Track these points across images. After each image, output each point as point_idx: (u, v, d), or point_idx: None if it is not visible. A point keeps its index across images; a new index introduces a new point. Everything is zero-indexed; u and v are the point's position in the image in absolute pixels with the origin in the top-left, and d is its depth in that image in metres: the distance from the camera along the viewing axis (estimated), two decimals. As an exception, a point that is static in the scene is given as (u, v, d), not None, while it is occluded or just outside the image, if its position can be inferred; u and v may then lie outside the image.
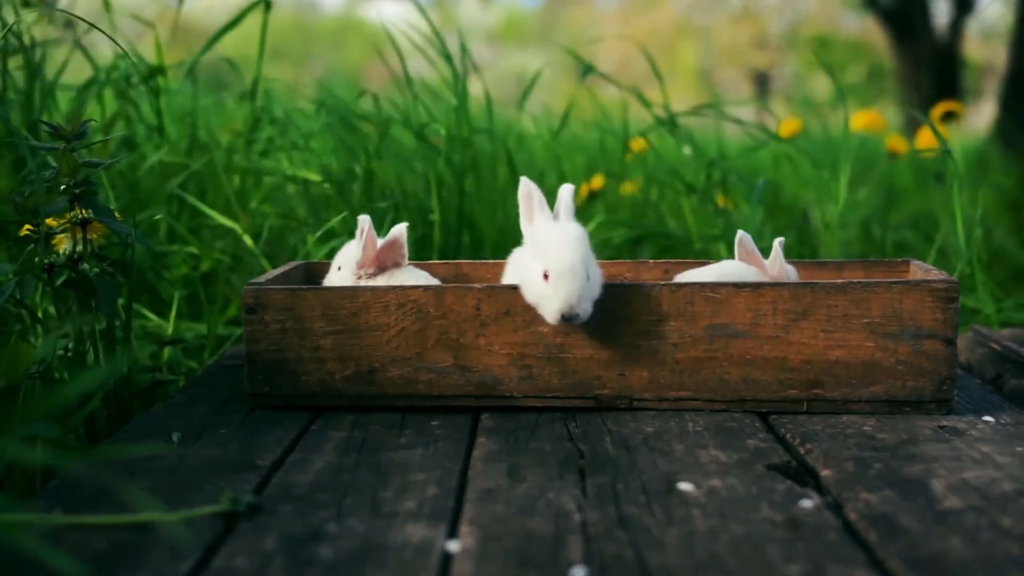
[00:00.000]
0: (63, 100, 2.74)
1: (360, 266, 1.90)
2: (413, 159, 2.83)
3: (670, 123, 3.09)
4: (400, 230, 1.93)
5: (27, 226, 1.69)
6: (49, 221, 1.72)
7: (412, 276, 1.90)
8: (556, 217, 1.78)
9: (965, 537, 1.17)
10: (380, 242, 1.90)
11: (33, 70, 2.49)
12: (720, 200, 3.09)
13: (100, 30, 2.07)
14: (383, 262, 1.91)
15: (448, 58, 2.81)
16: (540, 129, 3.62)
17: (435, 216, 2.60)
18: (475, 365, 1.72)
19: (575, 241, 1.69)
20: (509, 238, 1.95)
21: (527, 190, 1.78)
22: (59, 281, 1.72)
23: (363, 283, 1.90)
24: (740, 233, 1.90)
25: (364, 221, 1.87)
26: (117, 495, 1.31)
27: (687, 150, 3.05)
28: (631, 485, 1.35)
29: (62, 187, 1.71)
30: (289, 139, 2.89)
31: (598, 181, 3.34)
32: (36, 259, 1.68)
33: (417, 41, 2.86)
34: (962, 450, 1.49)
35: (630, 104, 3.31)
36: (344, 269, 1.92)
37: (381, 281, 1.88)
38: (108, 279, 1.73)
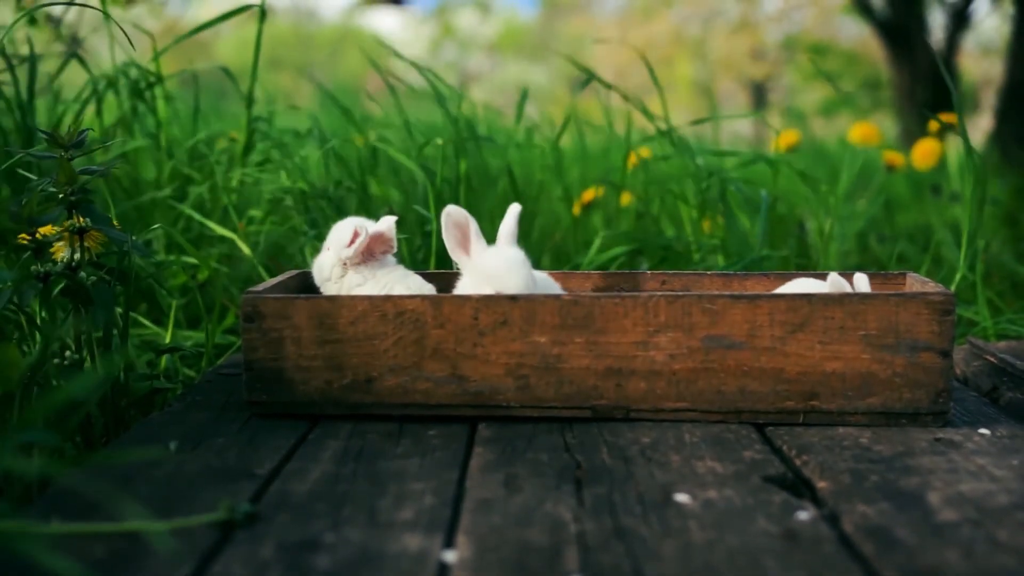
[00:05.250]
0: (63, 110, 2.75)
1: (347, 259, 1.92)
2: (410, 171, 2.83)
3: (669, 134, 3.09)
4: (388, 223, 1.95)
5: (23, 235, 1.69)
6: (47, 229, 1.72)
7: (403, 279, 1.90)
8: (499, 242, 1.88)
9: (961, 550, 1.17)
10: (371, 227, 1.92)
11: (33, 79, 2.50)
12: (708, 223, 3.09)
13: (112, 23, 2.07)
14: (370, 252, 1.93)
15: (434, 85, 2.83)
16: (539, 139, 3.63)
17: (432, 226, 2.60)
18: (472, 375, 1.72)
19: (520, 265, 1.80)
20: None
21: (463, 219, 1.86)
22: (56, 290, 1.72)
23: (349, 275, 1.92)
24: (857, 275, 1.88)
25: (362, 228, 1.90)
26: (114, 503, 1.31)
27: (690, 160, 3.06)
28: (628, 496, 1.35)
29: (59, 195, 1.72)
30: (285, 151, 2.89)
31: (590, 194, 3.34)
32: (32, 267, 1.68)
33: (414, 52, 2.87)
34: (958, 462, 1.49)
35: (629, 114, 3.31)
36: (332, 251, 1.94)
37: (367, 273, 1.92)
38: (105, 287, 1.73)
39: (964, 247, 2.38)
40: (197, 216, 2.57)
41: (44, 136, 1.72)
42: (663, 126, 3.09)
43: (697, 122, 3.42)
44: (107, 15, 2.33)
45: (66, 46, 2.93)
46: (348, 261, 1.91)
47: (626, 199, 3.46)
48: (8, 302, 1.63)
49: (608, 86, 3.05)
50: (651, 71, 3.09)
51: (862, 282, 1.83)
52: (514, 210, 1.91)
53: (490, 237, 1.92)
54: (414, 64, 2.89)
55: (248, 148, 2.91)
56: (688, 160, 3.10)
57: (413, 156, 2.83)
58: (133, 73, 2.80)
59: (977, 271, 2.66)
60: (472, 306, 1.71)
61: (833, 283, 1.77)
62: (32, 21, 2.69)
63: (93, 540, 1.20)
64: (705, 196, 3.05)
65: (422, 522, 1.26)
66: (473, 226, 1.86)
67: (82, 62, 2.80)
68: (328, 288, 1.94)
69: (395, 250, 1.98)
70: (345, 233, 1.92)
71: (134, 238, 1.80)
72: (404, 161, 2.84)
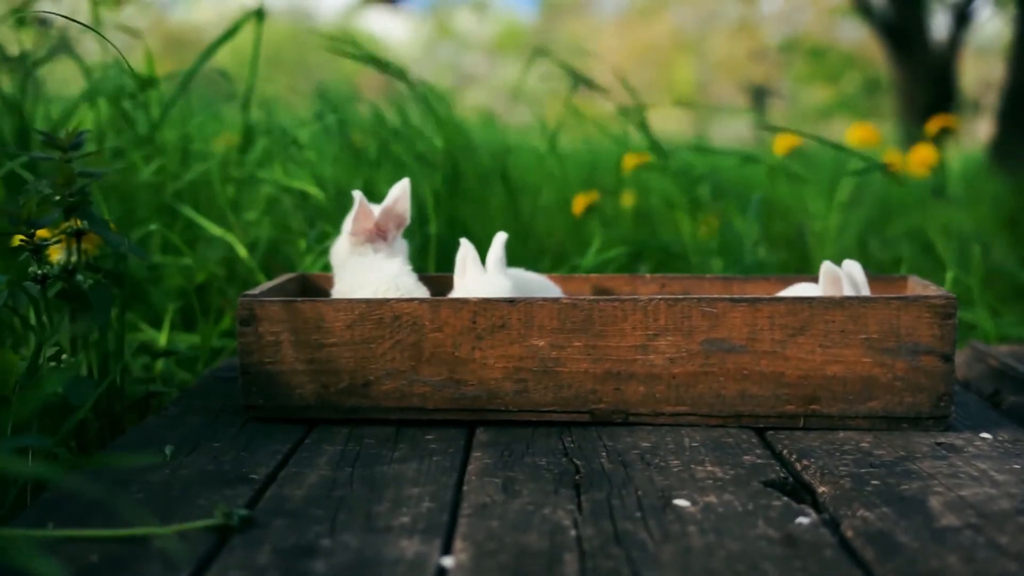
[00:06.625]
0: (55, 111, 2.73)
1: (354, 234, 1.92)
2: (409, 172, 2.82)
3: (658, 146, 3.08)
4: (400, 188, 1.95)
5: (19, 237, 1.68)
6: (43, 232, 1.71)
7: (395, 278, 1.88)
8: (489, 269, 1.89)
9: (962, 555, 1.16)
10: (377, 208, 1.92)
11: (26, 80, 2.49)
12: (707, 221, 3.08)
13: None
14: (382, 232, 1.92)
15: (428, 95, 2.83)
16: (536, 141, 3.62)
17: (432, 228, 2.59)
18: (470, 379, 1.71)
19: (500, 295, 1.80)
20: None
21: (463, 252, 1.90)
22: (52, 292, 1.71)
23: (354, 257, 1.92)
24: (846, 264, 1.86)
25: (357, 195, 1.91)
26: (110, 508, 1.31)
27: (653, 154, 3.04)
28: (627, 501, 1.34)
29: (57, 198, 1.71)
30: (283, 149, 2.88)
31: (584, 200, 3.32)
32: (28, 270, 1.67)
33: (411, 53, 2.86)
34: (959, 467, 1.48)
35: (624, 118, 3.30)
36: (344, 234, 1.96)
37: (373, 253, 1.92)
38: (102, 290, 1.72)
39: (965, 248, 2.37)
40: (194, 215, 2.56)
41: (42, 138, 1.71)
42: (637, 122, 3.07)
43: (686, 104, 3.40)
44: (96, 30, 2.31)
45: (54, 44, 2.92)
46: (352, 236, 1.92)
47: (625, 202, 3.45)
48: (3, 305, 1.62)
49: (589, 84, 3.04)
50: (624, 82, 3.07)
51: (854, 269, 1.82)
52: (500, 238, 1.92)
53: (487, 238, 1.91)
54: (402, 78, 2.88)
55: (245, 147, 2.90)
56: (680, 162, 3.09)
57: (411, 157, 2.82)
58: (127, 77, 2.79)
59: (975, 274, 2.65)
60: (470, 309, 1.70)
61: (826, 271, 1.77)
62: (20, 22, 2.68)
63: (88, 545, 1.19)
64: (700, 200, 3.05)
65: (420, 527, 1.25)
66: (472, 253, 1.90)
67: (80, 62, 2.79)
68: (338, 273, 1.96)
69: (408, 222, 1.97)
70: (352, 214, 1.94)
71: (130, 240, 1.79)
72: (403, 156, 2.83)
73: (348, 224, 1.95)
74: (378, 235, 1.94)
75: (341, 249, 1.96)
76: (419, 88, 2.88)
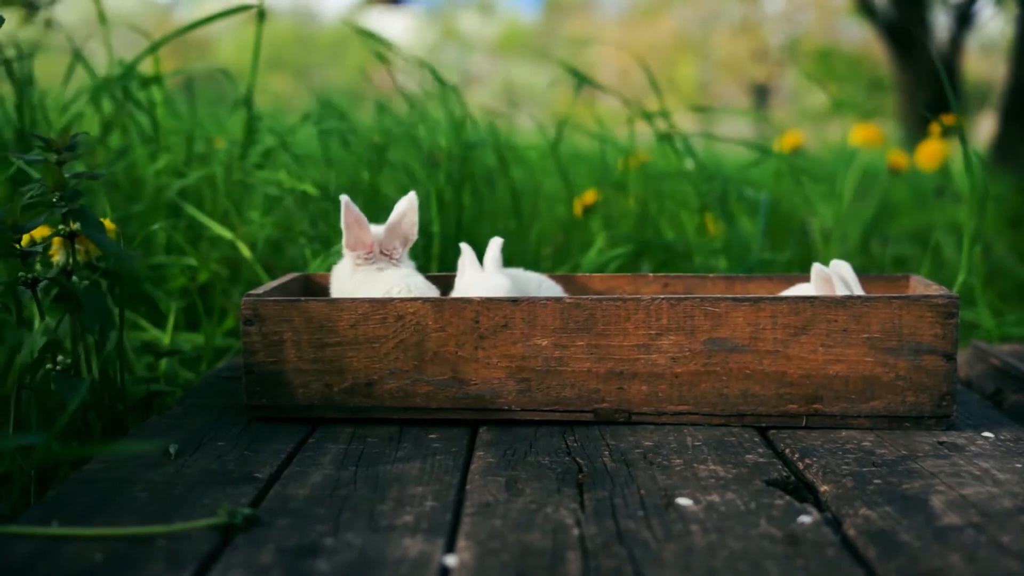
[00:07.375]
0: (55, 110, 2.73)
1: (350, 248, 1.88)
2: (413, 172, 2.83)
3: (670, 138, 3.08)
4: (406, 202, 1.91)
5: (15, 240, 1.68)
6: (43, 230, 1.71)
7: (404, 279, 1.86)
8: (487, 269, 1.90)
9: (964, 554, 1.16)
10: (378, 227, 1.90)
11: (23, 80, 2.49)
12: (710, 226, 3.08)
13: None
14: (389, 248, 1.90)
15: (439, 78, 2.82)
16: (539, 141, 3.62)
17: (435, 228, 2.59)
18: (473, 378, 1.71)
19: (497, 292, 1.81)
20: (505, 249, 1.95)
21: (463, 256, 1.92)
22: (49, 295, 1.71)
23: (358, 273, 1.89)
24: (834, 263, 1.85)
25: (344, 200, 1.85)
26: (113, 506, 1.31)
27: (690, 164, 3.04)
28: (630, 500, 1.35)
29: (50, 200, 1.70)
30: (286, 151, 2.88)
31: (590, 196, 3.33)
32: (20, 273, 1.67)
33: (417, 52, 2.86)
34: (961, 466, 1.48)
35: (631, 117, 3.30)
36: (345, 257, 1.92)
37: (376, 271, 1.88)
38: (96, 291, 1.71)
39: (967, 249, 2.37)
40: (198, 214, 2.56)
41: (38, 141, 1.70)
42: (664, 127, 3.08)
43: (698, 109, 3.40)
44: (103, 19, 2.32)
45: (45, 34, 2.92)
46: (348, 250, 1.89)
47: (630, 202, 3.44)
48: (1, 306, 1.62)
49: (599, 86, 3.04)
50: (650, 76, 3.08)
51: (843, 269, 1.82)
52: (496, 242, 1.92)
53: (490, 238, 1.92)
54: (418, 63, 2.89)
55: (247, 147, 2.90)
56: (688, 160, 3.09)
57: (414, 157, 2.82)
58: (130, 73, 2.79)
59: (977, 273, 2.65)
60: (473, 309, 1.70)
61: (817, 273, 1.78)
62: (8, 3, 2.67)
63: (92, 544, 1.19)
64: (706, 199, 3.04)
65: (423, 526, 1.26)
66: (470, 255, 1.91)
67: (82, 60, 2.79)
68: (335, 293, 1.92)
69: (415, 238, 1.93)
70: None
71: (125, 242, 1.79)
72: (407, 157, 2.83)
73: (344, 239, 1.89)
74: (382, 255, 1.90)
75: (343, 271, 1.92)
76: (431, 86, 2.89)
